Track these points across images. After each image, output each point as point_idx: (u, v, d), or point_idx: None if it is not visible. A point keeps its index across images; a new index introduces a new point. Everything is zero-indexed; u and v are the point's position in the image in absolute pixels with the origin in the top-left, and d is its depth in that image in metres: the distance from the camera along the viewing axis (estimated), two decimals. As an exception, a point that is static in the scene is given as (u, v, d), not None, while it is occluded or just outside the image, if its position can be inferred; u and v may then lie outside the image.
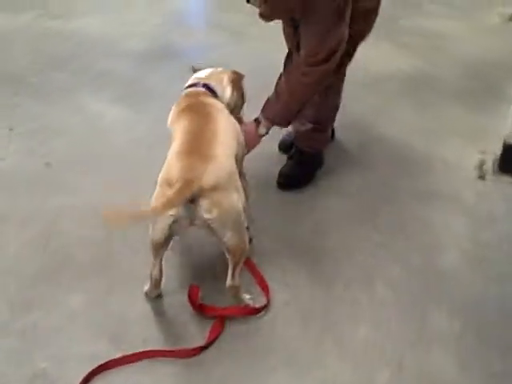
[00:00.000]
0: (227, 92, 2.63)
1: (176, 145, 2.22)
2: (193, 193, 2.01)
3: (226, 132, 2.31)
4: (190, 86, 2.60)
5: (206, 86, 2.57)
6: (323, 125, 3.09)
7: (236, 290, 2.35)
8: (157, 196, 2.10)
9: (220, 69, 2.71)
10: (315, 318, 2.39)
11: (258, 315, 2.38)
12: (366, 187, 3.15)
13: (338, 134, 3.50)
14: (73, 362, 2.19)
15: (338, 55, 2.62)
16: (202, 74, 2.66)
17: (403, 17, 5.40)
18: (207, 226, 2.10)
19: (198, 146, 2.17)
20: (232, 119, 2.48)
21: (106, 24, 5.26)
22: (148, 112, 3.82)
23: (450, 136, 3.62)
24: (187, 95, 2.54)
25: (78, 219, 2.87)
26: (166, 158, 2.23)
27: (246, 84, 2.79)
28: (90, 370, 2.12)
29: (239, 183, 2.23)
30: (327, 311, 2.42)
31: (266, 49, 4.19)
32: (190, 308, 2.38)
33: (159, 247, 2.21)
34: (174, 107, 2.51)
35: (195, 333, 2.31)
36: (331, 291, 2.51)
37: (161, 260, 2.28)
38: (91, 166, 3.26)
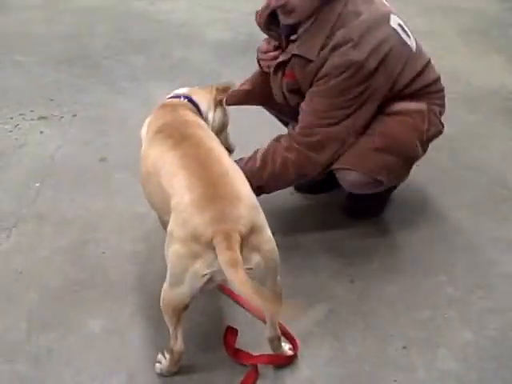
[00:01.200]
0: (211, 111, 2.31)
1: (182, 185, 1.81)
2: (239, 244, 1.65)
3: (228, 158, 1.97)
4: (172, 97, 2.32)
5: (187, 98, 2.27)
6: None
7: (278, 341, 2.05)
8: (182, 255, 1.70)
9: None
10: (360, 381, 2.05)
11: (295, 371, 2.07)
12: (445, 227, 2.73)
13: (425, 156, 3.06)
14: (82, 400, 1.96)
15: (333, 149, 2.31)
16: (182, 90, 2.35)
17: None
18: None
19: (215, 184, 1.77)
20: (213, 135, 2.14)
21: (192, 8, 5.03)
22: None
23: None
24: (163, 107, 2.23)
25: (120, 228, 2.65)
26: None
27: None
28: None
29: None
30: (376, 375, 2.06)
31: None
32: (218, 353, 2.09)
33: (182, 311, 1.83)
34: (147, 124, 2.23)
35: (221, 382, 2.03)
36: (385, 351, 2.15)
37: (181, 327, 1.89)
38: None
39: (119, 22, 4.87)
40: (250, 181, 2.29)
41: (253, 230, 1.70)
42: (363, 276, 2.45)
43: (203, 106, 2.28)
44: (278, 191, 2.62)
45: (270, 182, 2.39)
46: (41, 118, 3.46)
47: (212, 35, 4.58)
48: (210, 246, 1.64)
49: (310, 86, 2.31)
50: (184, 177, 1.82)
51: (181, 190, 1.79)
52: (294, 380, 2.04)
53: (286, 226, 2.65)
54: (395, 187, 2.73)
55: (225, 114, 2.38)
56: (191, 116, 2.16)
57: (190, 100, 2.26)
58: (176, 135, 1.99)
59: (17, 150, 3.17)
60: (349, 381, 2.04)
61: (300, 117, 2.34)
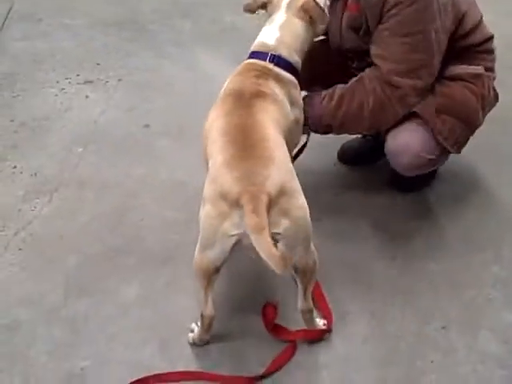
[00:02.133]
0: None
1: (218, 148, 1.81)
2: (266, 206, 1.62)
3: (275, 125, 1.90)
4: (258, 54, 2.13)
5: (275, 58, 2.10)
6: None
7: (310, 314, 2.00)
8: (212, 215, 1.70)
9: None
10: (396, 362, 1.98)
11: (330, 348, 2.02)
12: (495, 204, 2.62)
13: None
14: (114, 365, 1.97)
15: (412, 103, 2.23)
16: (271, 34, 2.14)
17: None
18: (275, 242, 1.68)
19: (249, 147, 1.75)
20: (283, 110, 2.02)
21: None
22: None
23: None
24: (246, 71, 2.08)
25: (160, 195, 2.64)
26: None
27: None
28: (130, 379, 1.88)
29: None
30: (413, 356, 2.00)
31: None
32: (252, 323, 2.07)
33: (212, 274, 1.81)
34: (226, 82, 2.11)
35: (254, 355, 2.00)
36: (424, 330, 2.08)
37: (212, 291, 1.88)
38: (189, 136, 2.96)
39: (169, -16, 4.80)
40: (322, 117, 2.26)
41: (283, 192, 1.67)
42: (406, 252, 2.38)
43: (294, 59, 2.15)
44: (320, 161, 2.56)
45: (341, 123, 2.28)
46: (86, 82, 3.45)
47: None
48: (237, 205, 1.63)
49: (378, 21, 2.17)
50: (221, 142, 1.82)
51: (216, 153, 1.80)
52: (329, 357, 2.00)
53: (327, 198, 2.59)
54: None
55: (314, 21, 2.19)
56: (269, 87, 2.02)
57: (279, 60, 2.10)
58: (237, 103, 1.94)
59: (62, 114, 3.18)
60: (384, 360, 1.99)
61: (379, 62, 2.19)
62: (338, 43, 2.36)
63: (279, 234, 1.67)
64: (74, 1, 4.48)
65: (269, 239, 1.58)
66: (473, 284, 2.25)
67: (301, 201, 1.74)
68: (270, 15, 2.21)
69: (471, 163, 2.82)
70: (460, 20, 2.20)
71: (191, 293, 2.14)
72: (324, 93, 2.30)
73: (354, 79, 2.27)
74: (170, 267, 2.29)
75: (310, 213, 1.77)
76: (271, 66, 2.09)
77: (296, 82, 2.15)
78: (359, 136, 2.77)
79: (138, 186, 2.69)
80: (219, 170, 1.73)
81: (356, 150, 2.78)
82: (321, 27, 2.24)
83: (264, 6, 2.24)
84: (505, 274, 2.28)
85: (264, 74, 2.05)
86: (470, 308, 2.16)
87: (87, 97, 3.33)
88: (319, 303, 2.10)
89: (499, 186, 2.72)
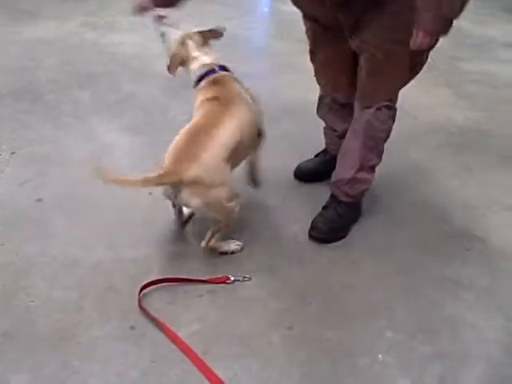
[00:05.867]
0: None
1: (184, 128, 2.43)
2: (171, 182, 2.27)
3: (236, 126, 2.43)
4: (209, 72, 2.60)
5: (222, 67, 2.64)
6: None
7: (214, 250, 2.60)
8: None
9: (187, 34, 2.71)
10: None
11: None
12: (388, 266, 2.68)
13: (370, 192, 2.99)
14: None
15: None
16: (204, 59, 2.64)
17: (469, 60, 4.90)
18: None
19: (192, 141, 2.33)
20: (249, 107, 2.57)
21: (143, 41, 4.99)
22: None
23: (495, 212, 3.12)
24: (214, 83, 2.57)
25: (52, 275, 2.52)
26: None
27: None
28: None
29: (226, 177, 2.38)
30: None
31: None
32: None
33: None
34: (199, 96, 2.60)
35: None
36: (323, 402, 2.08)
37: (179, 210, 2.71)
38: (84, 211, 2.91)
39: (68, 55, 4.79)
40: None
41: (196, 182, 2.25)
42: (302, 321, 2.36)
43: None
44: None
45: None
46: (-23, 156, 3.34)
47: (162, 68, 4.49)
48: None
49: None
50: (190, 123, 2.46)
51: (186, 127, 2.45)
52: None
53: (223, 268, 2.57)
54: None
55: None
56: (236, 90, 2.57)
57: (224, 68, 2.65)
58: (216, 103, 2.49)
59: (-51, 191, 3.04)
60: None
61: None
62: None
63: (192, 207, 2.45)
64: (-32, 71, 4.39)
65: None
66: (368, 350, 2.26)
67: (214, 191, 2.32)
68: (188, 67, 2.68)
69: (364, 230, 2.90)
70: None
71: (82, 378, 2.05)
72: None
73: None
74: (61, 351, 2.18)
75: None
76: (224, 73, 2.59)
77: None
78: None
79: (29, 264, 2.57)
80: (170, 146, 2.38)
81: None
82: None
83: (182, 63, 2.70)
84: (398, 338, 2.31)
85: (227, 81, 2.56)
86: (367, 375, 2.16)
87: (-23, 171, 3.22)
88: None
89: (392, 248, 2.79)
